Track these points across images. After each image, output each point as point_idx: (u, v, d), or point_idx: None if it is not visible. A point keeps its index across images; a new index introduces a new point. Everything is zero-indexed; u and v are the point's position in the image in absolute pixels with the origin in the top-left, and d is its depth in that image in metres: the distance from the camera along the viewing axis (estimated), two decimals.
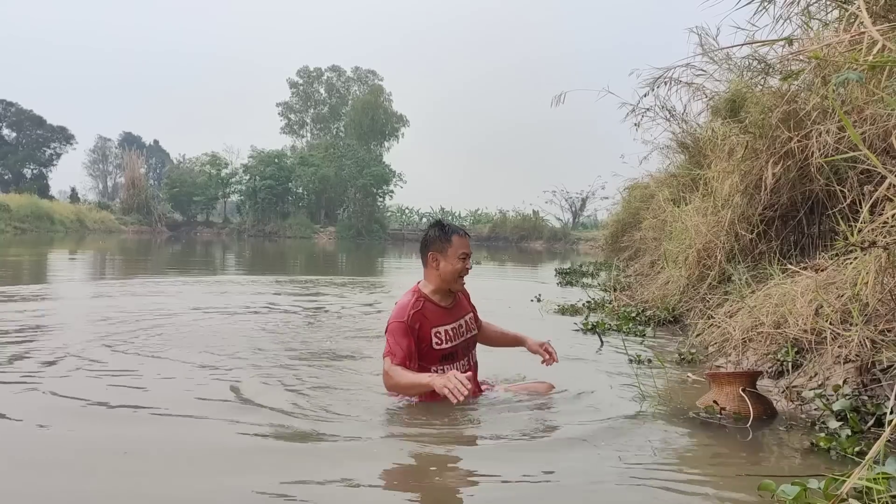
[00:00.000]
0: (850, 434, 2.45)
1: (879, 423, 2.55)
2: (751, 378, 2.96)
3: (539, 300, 7.78)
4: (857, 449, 2.33)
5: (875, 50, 2.51)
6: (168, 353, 4.15)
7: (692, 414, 2.98)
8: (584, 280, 11.06)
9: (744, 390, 2.88)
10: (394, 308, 3.03)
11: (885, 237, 2.76)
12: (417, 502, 2.03)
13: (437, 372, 2.92)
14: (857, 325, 3.00)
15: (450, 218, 49.19)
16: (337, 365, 4.04)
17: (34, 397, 3.04)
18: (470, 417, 2.90)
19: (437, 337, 2.99)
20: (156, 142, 72.07)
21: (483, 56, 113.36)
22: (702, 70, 6.17)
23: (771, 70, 4.86)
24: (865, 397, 2.73)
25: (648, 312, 6.09)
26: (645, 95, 6.40)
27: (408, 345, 2.90)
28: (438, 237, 3.05)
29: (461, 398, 2.56)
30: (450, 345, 3.03)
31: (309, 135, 56.89)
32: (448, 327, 3.03)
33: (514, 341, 3.43)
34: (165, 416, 2.83)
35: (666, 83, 5.99)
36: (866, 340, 2.96)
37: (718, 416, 2.88)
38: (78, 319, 5.39)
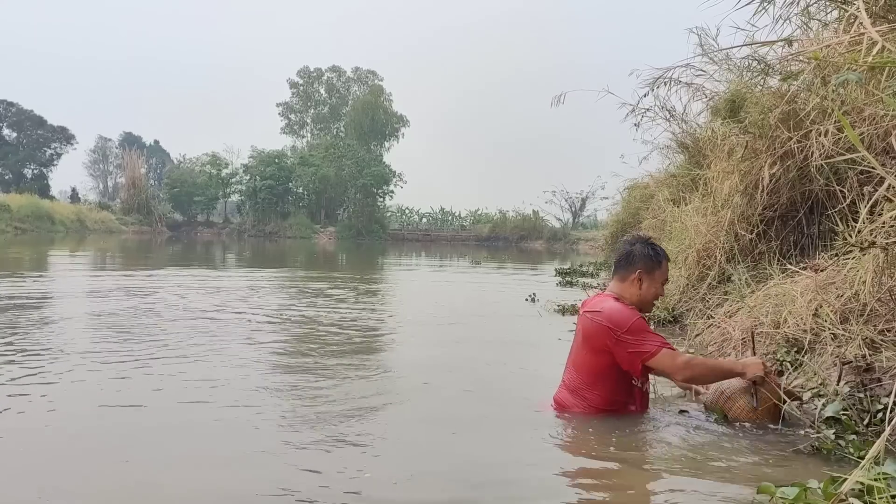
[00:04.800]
0: (854, 438, 2.44)
1: (875, 423, 2.55)
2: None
3: (534, 300, 7.78)
4: (860, 454, 2.33)
5: (875, 51, 2.51)
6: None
7: (691, 414, 2.98)
8: (584, 280, 11.07)
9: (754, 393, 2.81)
10: (610, 312, 2.75)
11: (884, 238, 2.77)
12: None
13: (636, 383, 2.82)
14: (857, 324, 3.00)
15: (450, 218, 49.30)
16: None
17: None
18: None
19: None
20: (156, 142, 72.10)
21: (489, 61, 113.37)
22: (702, 70, 6.20)
23: (770, 70, 4.87)
24: (861, 395, 2.74)
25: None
26: (645, 95, 6.42)
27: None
28: (650, 256, 2.86)
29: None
30: None
31: (309, 135, 56.93)
32: None
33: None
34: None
35: (666, 83, 6.01)
36: (861, 340, 2.96)
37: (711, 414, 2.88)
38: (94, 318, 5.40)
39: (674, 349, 2.72)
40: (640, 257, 2.88)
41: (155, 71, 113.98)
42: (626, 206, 13.21)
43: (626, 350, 2.70)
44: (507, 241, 40.13)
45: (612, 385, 2.80)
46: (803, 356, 3.39)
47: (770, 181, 4.78)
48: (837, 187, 4.00)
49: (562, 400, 2.92)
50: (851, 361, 2.91)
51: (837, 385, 2.87)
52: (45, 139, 49.93)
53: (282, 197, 43.90)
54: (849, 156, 3.32)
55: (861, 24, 2.65)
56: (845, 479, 1.74)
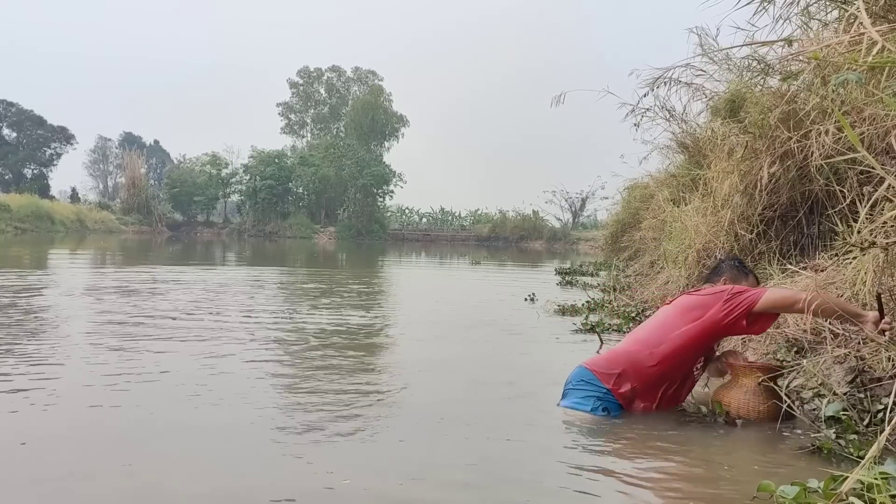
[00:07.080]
0: (855, 437, 2.44)
1: (876, 423, 2.55)
2: (769, 372, 2.92)
3: (533, 300, 7.78)
4: (860, 453, 2.33)
5: (875, 51, 2.51)
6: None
7: (691, 414, 2.98)
8: (584, 280, 11.07)
9: (760, 384, 2.86)
10: (715, 287, 3.08)
11: (884, 238, 2.77)
12: None
13: (697, 367, 3.08)
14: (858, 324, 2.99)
15: (450, 218, 49.31)
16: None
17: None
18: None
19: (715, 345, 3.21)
20: (156, 142, 72.07)
21: (489, 61, 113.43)
22: (702, 70, 6.19)
23: (770, 70, 4.87)
24: (861, 395, 2.74)
25: (648, 312, 6.09)
26: (645, 95, 6.40)
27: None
28: (736, 266, 3.26)
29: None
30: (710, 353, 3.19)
31: (309, 135, 56.89)
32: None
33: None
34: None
35: (665, 83, 6.00)
36: (861, 340, 2.96)
37: (720, 415, 2.88)
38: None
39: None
40: (726, 268, 3.26)
41: (155, 70, 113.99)
42: (626, 206, 13.19)
43: (734, 304, 2.90)
44: (507, 241, 40.12)
45: (687, 349, 2.96)
46: (803, 356, 3.40)
47: (770, 181, 4.78)
48: (837, 187, 4.00)
49: (621, 349, 3.07)
50: (865, 359, 2.91)
51: (846, 387, 2.87)
52: (44, 139, 49.90)
53: (282, 197, 43.88)
54: (849, 156, 3.31)
55: (861, 23, 2.65)
56: (846, 479, 1.74)
